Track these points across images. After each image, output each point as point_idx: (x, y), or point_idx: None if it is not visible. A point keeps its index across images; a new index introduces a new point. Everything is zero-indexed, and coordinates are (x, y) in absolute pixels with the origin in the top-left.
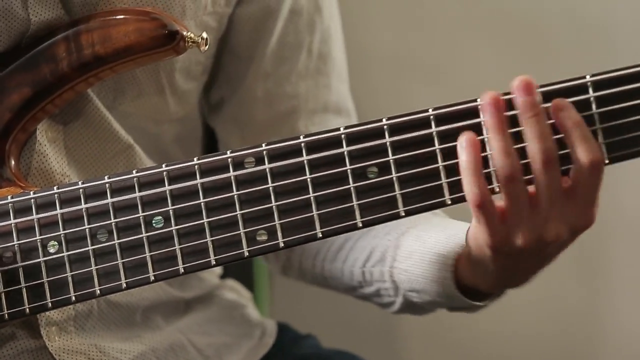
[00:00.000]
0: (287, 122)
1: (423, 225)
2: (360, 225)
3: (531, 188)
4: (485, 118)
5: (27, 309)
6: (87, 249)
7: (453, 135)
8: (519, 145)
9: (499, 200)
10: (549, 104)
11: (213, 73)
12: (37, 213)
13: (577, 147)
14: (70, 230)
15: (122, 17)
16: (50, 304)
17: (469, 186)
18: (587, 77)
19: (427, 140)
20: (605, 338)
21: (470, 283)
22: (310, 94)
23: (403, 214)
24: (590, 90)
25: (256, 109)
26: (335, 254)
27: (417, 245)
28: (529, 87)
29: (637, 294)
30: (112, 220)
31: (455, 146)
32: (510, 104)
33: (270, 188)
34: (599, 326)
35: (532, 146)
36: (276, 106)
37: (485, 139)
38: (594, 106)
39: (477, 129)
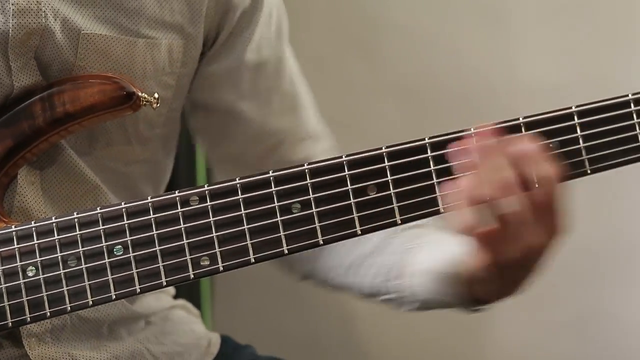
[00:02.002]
0: (275, 154)
1: (432, 242)
2: (286, 252)
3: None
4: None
5: (10, 323)
6: (59, 272)
7: (363, 177)
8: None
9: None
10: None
11: (203, 126)
12: (17, 243)
13: (535, 171)
14: (45, 257)
15: (88, 81)
16: (29, 319)
17: (461, 216)
18: (472, 129)
19: (342, 181)
20: (488, 346)
21: (476, 295)
22: (290, 128)
23: (322, 243)
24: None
25: (246, 148)
26: (347, 271)
27: (431, 263)
28: (486, 133)
29: (513, 307)
30: (80, 249)
31: (364, 186)
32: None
33: (212, 221)
34: (480, 335)
35: (492, 176)
36: (264, 142)
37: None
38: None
39: (382, 171)
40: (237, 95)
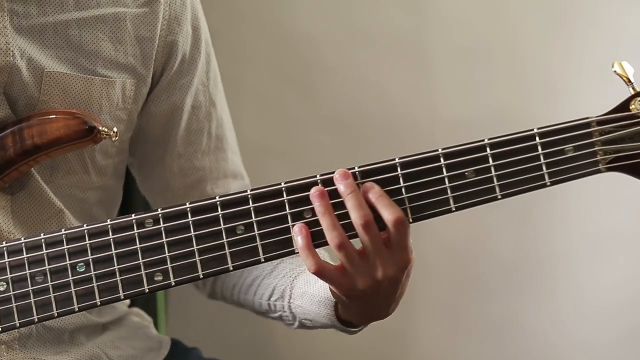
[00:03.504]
0: (198, 188)
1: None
2: (231, 268)
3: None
4: (314, 205)
5: None
6: (27, 289)
7: (300, 202)
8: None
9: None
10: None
11: (137, 156)
12: None
13: (383, 212)
14: (15, 274)
15: (54, 116)
16: (0, 328)
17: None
18: (396, 159)
19: (281, 206)
20: (411, 352)
21: (346, 318)
22: (213, 166)
23: (263, 260)
24: (399, 169)
25: (174, 180)
26: (247, 288)
27: (307, 288)
28: (345, 174)
29: (434, 316)
30: (47, 266)
31: (301, 210)
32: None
33: (164, 241)
34: (405, 341)
35: (353, 215)
36: (189, 177)
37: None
38: (401, 180)
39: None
40: (173, 132)
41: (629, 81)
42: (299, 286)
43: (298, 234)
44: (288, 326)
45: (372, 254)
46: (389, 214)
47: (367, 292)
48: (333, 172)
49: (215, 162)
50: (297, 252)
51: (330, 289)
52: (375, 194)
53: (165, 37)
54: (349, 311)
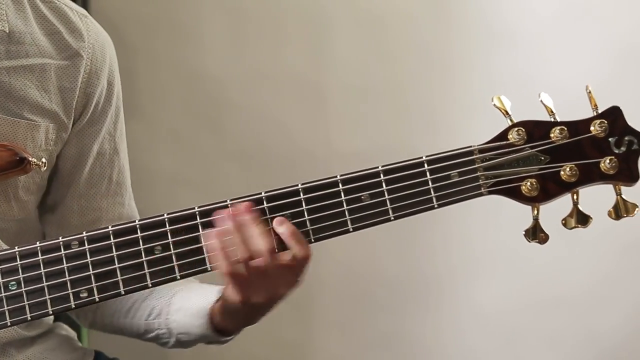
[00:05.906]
0: (93, 227)
1: (186, 289)
2: (150, 285)
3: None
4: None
5: None
6: None
7: (211, 225)
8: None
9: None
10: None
11: (46, 193)
12: None
13: (293, 247)
14: None
15: None
16: None
17: (220, 261)
18: (299, 185)
19: (195, 227)
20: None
21: (221, 326)
22: (110, 208)
23: (179, 277)
24: (302, 194)
25: (72, 217)
26: (126, 313)
27: (183, 303)
28: (248, 206)
29: (329, 328)
30: None
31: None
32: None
33: (89, 261)
34: (302, 351)
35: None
36: (86, 216)
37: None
38: (304, 204)
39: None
40: (78, 174)
41: (507, 113)
42: (175, 302)
43: (214, 235)
44: (163, 345)
45: (273, 273)
46: (300, 250)
47: (259, 302)
48: (242, 198)
49: (112, 205)
50: (210, 270)
51: (226, 296)
52: (287, 230)
53: (85, 88)
54: (232, 317)
